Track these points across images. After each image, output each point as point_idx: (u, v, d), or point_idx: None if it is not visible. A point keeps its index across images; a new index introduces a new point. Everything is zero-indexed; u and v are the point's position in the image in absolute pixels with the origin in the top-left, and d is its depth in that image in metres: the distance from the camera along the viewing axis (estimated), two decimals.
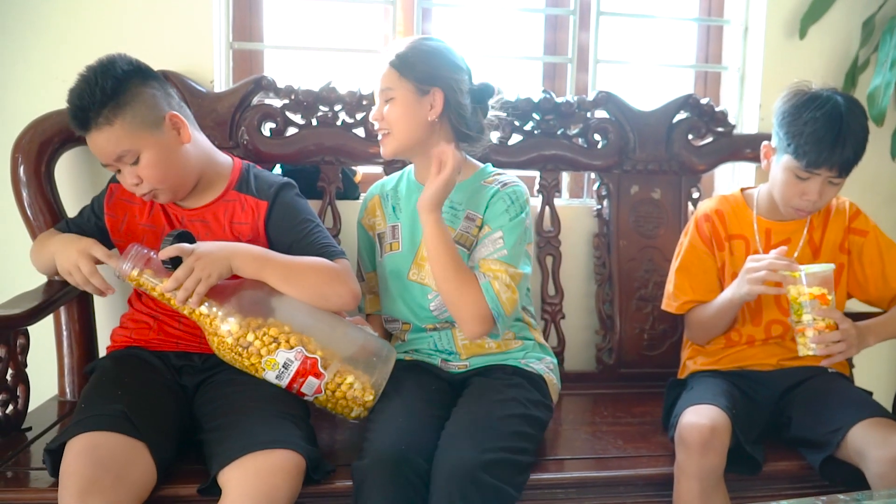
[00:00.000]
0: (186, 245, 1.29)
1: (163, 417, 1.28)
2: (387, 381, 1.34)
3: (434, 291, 1.46)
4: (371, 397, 1.32)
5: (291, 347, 1.27)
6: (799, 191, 1.48)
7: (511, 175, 1.51)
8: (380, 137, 1.48)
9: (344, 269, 1.39)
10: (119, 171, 1.36)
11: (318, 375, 1.28)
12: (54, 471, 1.18)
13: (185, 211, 1.44)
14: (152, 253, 1.30)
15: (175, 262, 1.27)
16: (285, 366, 1.27)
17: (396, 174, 1.61)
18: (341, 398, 1.31)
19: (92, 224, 1.49)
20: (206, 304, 1.28)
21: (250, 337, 1.27)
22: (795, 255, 1.55)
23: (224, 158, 1.49)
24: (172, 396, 1.35)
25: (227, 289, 1.30)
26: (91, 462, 1.12)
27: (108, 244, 1.44)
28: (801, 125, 1.44)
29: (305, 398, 1.32)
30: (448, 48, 1.47)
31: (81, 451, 1.15)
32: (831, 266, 1.39)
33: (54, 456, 1.18)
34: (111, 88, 1.30)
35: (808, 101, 1.46)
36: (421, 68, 1.42)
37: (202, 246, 1.30)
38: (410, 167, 1.58)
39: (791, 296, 1.39)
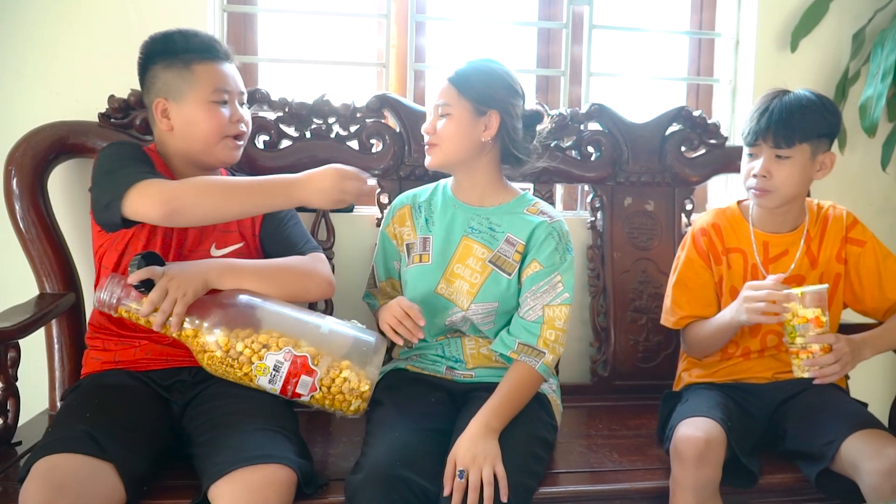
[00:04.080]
0: (157, 267, 1.28)
1: (132, 434, 1.24)
2: (382, 380, 1.34)
3: (457, 308, 1.47)
4: (367, 387, 1.31)
5: (280, 349, 1.27)
6: (749, 170, 1.51)
7: (549, 205, 1.54)
8: (426, 148, 1.48)
9: (316, 260, 1.47)
10: (224, 104, 1.42)
11: (310, 373, 1.28)
12: None
13: None
14: (128, 280, 1.28)
15: (148, 285, 1.26)
16: (276, 368, 1.27)
17: (430, 185, 1.60)
18: (337, 393, 1.30)
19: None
20: (188, 320, 1.27)
21: (239, 346, 1.26)
22: (792, 266, 1.55)
23: None
24: (152, 415, 1.32)
25: (206, 304, 1.29)
26: (46, 485, 1.10)
27: None
28: (751, 110, 1.52)
29: (302, 399, 1.30)
30: (508, 71, 1.47)
31: (37, 475, 1.12)
32: (825, 286, 1.38)
33: None
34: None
35: (770, 92, 1.52)
36: (480, 89, 1.43)
37: (173, 267, 1.30)
38: (446, 181, 1.57)
39: (785, 318, 1.38)
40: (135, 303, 1.27)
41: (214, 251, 1.44)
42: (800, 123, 1.46)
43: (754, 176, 1.50)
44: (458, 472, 1.22)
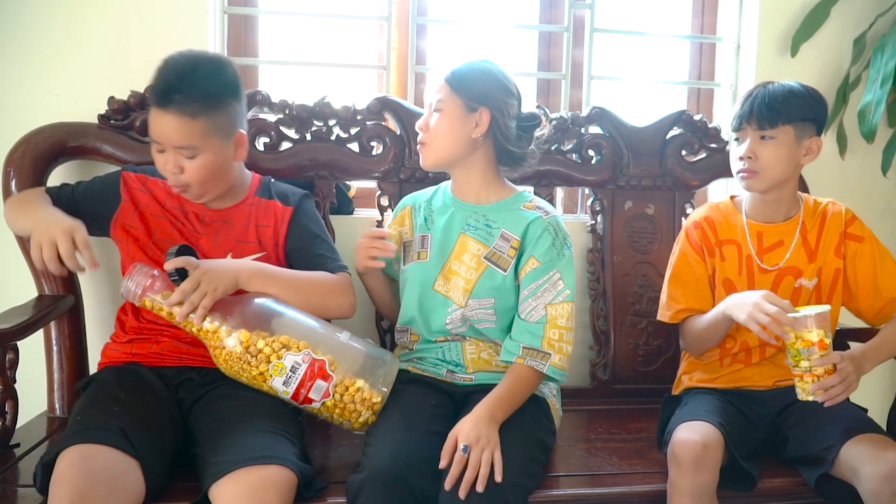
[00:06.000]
0: (193, 259, 1.30)
1: (158, 438, 1.26)
2: (391, 388, 1.34)
3: (455, 305, 1.47)
4: (378, 399, 1.32)
5: (299, 351, 1.28)
6: (737, 155, 1.54)
7: (546, 202, 1.55)
8: (419, 147, 1.50)
9: (344, 281, 1.47)
10: (162, 151, 1.37)
11: (325, 378, 1.29)
12: (43, 487, 1.15)
13: (207, 210, 1.48)
14: (155, 271, 1.31)
15: (181, 276, 1.28)
16: (293, 369, 1.28)
17: (432, 188, 1.61)
18: (349, 402, 1.31)
19: (88, 208, 1.46)
20: (210, 318, 1.29)
21: (260, 343, 1.28)
22: (787, 255, 1.56)
23: (247, 171, 1.56)
24: (168, 415, 1.33)
25: (230, 303, 1.31)
26: (84, 473, 1.11)
27: (99, 232, 1.45)
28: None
29: (312, 406, 1.31)
30: (503, 72, 1.49)
31: (75, 461, 1.13)
32: (827, 307, 1.36)
33: (47, 470, 1.15)
34: (213, 90, 1.35)
35: (758, 84, 1.57)
36: (473, 86, 1.45)
37: (207, 262, 1.33)
38: (447, 182, 1.58)
39: (789, 341, 1.35)
40: (159, 295, 1.29)
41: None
42: (783, 105, 1.49)
43: (740, 159, 1.52)
44: (461, 447, 1.23)
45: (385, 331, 1.79)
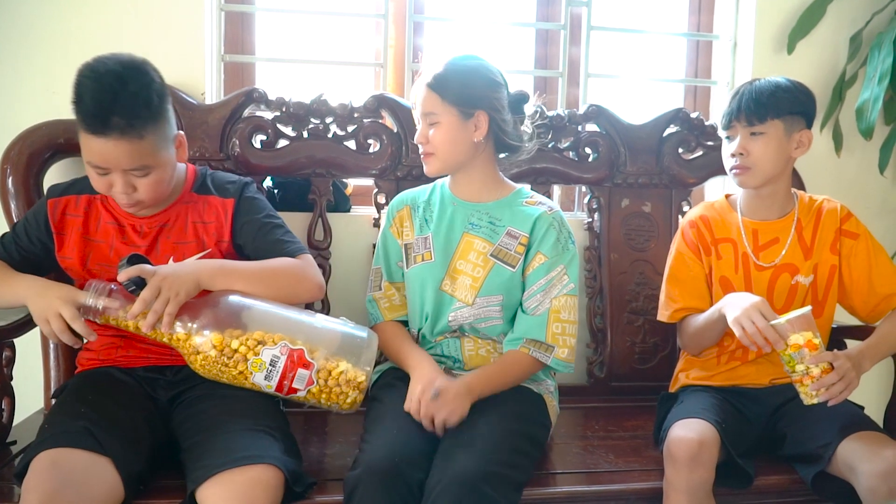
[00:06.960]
0: (148, 266, 1.25)
1: (129, 431, 1.24)
2: (381, 378, 1.35)
3: (460, 302, 1.47)
4: (363, 378, 1.29)
5: (276, 344, 1.26)
6: (729, 152, 1.55)
7: (546, 197, 1.56)
8: (423, 157, 1.49)
9: (307, 264, 1.41)
10: (105, 174, 1.28)
11: (306, 366, 1.26)
12: None
13: (142, 219, 1.40)
14: (113, 285, 1.26)
15: (139, 284, 1.23)
16: (272, 363, 1.25)
17: (428, 186, 1.60)
18: (335, 385, 1.27)
19: (39, 247, 1.41)
20: (180, 323, 1.25)
21: (234, 344, 1.24)
22: (783, 252, 1.56)
23: (180, 165, 1.45)
24: (142, 411, 1.32)
25: (197, 305, 1.27)
26: (52, 477, 1.10)
27: (52, 265, 1.40)
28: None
29: (298, 395, 1.28)
30: (485, 64, 1.47)
31: (42, 467, 1.12)
32: (808, 308, 1.36)
33: (21, 480, 1.15)
34: (151, 102, 1.25)
35: (745, 82, 1.58)
36: (463, 91, 1.43)
37: (164, 267, 1.28)
38: (444, 180, 1.58)
39: (780, 350, 1.35)
40: (122, 310, 1.24)
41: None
42: (770, 100, 1.50)
43: (732, 156, 1.53)
44: (433, 390, 1.31)
45: None
